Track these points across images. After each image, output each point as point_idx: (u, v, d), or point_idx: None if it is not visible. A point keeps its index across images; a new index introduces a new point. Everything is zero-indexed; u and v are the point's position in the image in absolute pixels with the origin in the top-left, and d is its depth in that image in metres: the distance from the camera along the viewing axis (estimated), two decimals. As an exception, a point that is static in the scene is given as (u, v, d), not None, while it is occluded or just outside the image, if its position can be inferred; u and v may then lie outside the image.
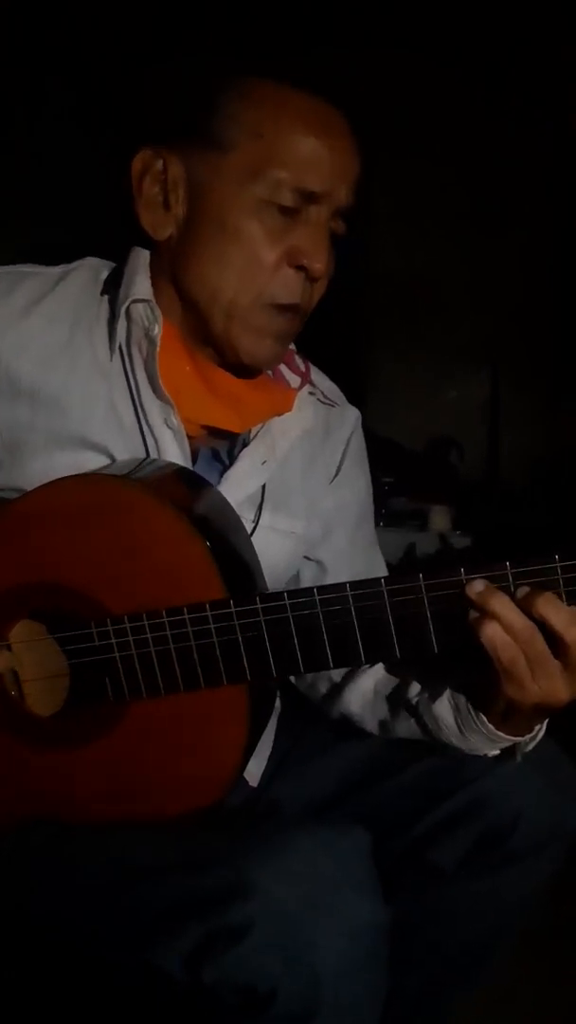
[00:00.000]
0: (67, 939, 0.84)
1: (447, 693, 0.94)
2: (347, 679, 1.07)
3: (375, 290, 3.59)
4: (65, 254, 1.08)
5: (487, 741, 0.93)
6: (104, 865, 0.84)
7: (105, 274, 1.03)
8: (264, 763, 1.10)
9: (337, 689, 1.08)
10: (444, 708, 0.94)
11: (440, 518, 3.18)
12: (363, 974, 0.77)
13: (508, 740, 0.92)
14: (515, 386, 3.86)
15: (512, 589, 0.78)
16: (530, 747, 0.94)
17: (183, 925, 0.76)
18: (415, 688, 1.00)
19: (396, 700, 1.01)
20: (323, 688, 1.11)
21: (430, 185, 3.60)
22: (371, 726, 1.06)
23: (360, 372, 3.69)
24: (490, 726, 0.90)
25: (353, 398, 1.21)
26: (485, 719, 0.90)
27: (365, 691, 1.05)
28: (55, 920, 0.84)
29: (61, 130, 3.60)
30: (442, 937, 1.04)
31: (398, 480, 3.12)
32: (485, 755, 0.96)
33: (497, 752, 0.96)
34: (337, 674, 1.09)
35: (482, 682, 0.86)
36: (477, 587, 0.77)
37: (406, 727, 1.01)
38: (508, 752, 0.96)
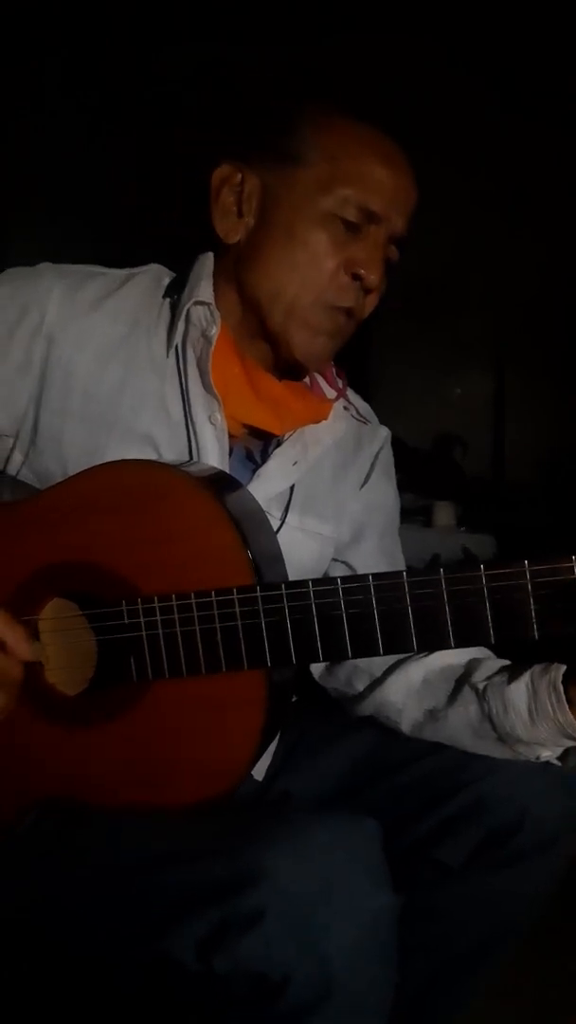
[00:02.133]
0: (70, 936, 0.84)
1: (527, 676, 0.95)
2: (391, 670, 1.09)
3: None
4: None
5: (555, 733, 0.93)
6: (113, 857, 0.85)
7: (167, 280, 1.09)
8: (270, 758, 1.11)
9: (377, 682, 1.10)
10: (520, 691, 0.95)
11: (444, 514, 3.19)
12: (375, 961, 0.77)
13: None
14: (520, 383, 3.86)
15: (529, 588, 0.79)
16: None
17: (196, 913, 0.76)
18: (484, 672, 1.01)
19: (459, 685, 1.03)
20: (360, 685, 1.12)
21: (437, 182, 3.60)
22: (410, 717, 1.06)
23: (366, 369, 3.69)
24: (568, 713, 0.91)
25: (358, 394, 1.24)
26: (566, 703, 0.91)
27: (412, 681, 1.07)
28: (60, 916, 0.85)
29: (70, 128, 3.61)
30: (448, 934, 1.04)
31: (403, 477, 3.12)
32: (536, 758, 0.97)
33: (551, 756, 0.97)
34: (379, 668, 1.10)
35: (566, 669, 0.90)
36: None
37: (461, 714, 1.01)
38: (560, 758, 0.97)
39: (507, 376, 3.90)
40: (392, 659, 1.09)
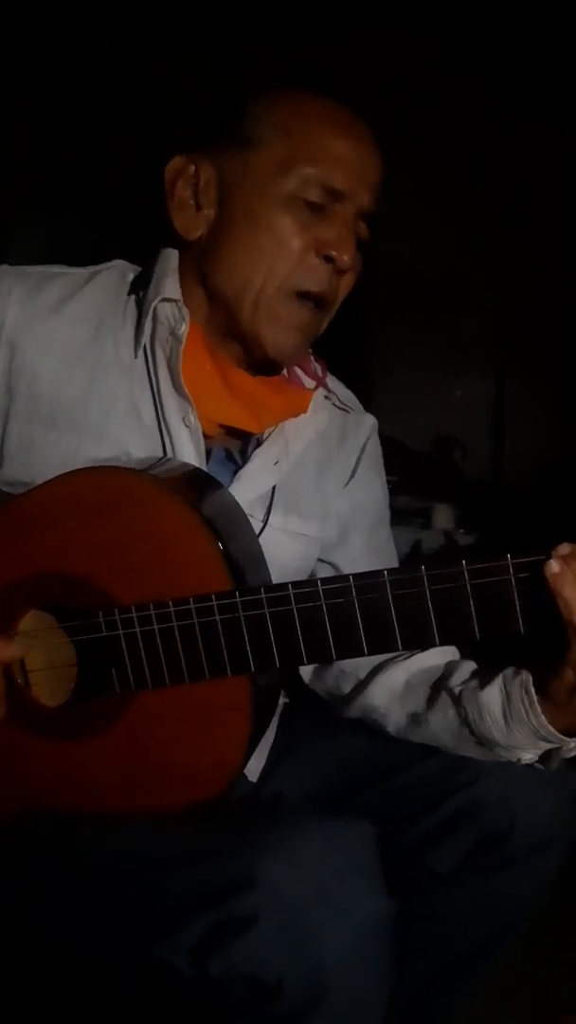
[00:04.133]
0: (70, 937, 0.85)
1: (500, 680, 0.95)
2: (375, 673, 1.08)
3: (381, 288, 3.58)
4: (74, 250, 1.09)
5: (531, 736, 0.93)
6: (111, 859, 0.85)
7: (132, 276, 1.06)
8: (264, 759, 1.11)
9: (362, 685, 1.09)
10: (493, 696, 0.94)
11: (443, 516, 3.18)
12: (369, 965, 0.77)
13: (555, 737, 0.92)
14: (520, 385, 3.85)
15: (512, 581, 0.80)
16: (573, 752, 0.94)
17: (190, 917, 0.76)
18: (460, 676, 1.01)
19: (436, 689, 1.02)
20: (347, 687, 1.12)
21: (437, 182, 3.59)
22: (395, 721, 1.06)
23: (365, 371, 3.68)
24: (541, 716, 0.90)
25: (358, 397, 1.23)
26: (538, 706, 0.90)
27: (394, 684, 1.06)
28: (59, 916, 0.85)
29: (70, 128, 3.60)
30: (443, 938, 1.04)
31: (402, 479, 3.13)
32: (518, 760, 0.96)
33: (532, 758, 0.96)
34: (364, 671, 1.10)
35: (543, 665, 0.88)
36: (563, 550, 0.79)
37: (440, 719, 1.01)
38: (541, 760, 0.96)
39: (507, 378, 3.89)
40: (376, 660, 1.09)
